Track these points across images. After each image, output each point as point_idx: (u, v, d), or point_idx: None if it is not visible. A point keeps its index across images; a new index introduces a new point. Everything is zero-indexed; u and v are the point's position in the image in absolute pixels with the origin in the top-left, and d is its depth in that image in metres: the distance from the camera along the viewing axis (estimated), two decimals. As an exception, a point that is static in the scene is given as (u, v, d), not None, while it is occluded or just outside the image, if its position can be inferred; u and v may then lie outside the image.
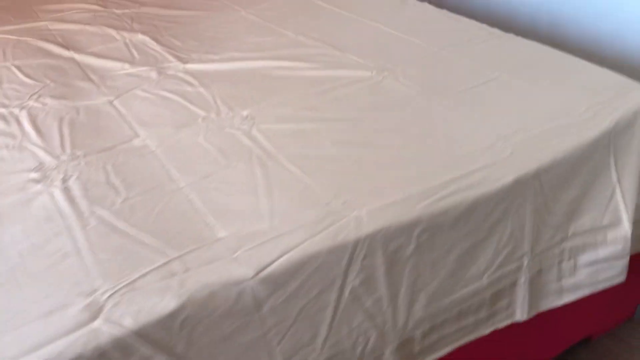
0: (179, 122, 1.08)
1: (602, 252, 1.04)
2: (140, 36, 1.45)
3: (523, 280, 0.99)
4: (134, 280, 0.73)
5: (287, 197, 0.86)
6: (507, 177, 0.90)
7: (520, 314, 1.01)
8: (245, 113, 1.09)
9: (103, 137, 1.04)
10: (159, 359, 0.70)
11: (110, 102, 1.16)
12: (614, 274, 1.06)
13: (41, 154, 0.99)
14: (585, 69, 1.19)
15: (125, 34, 1.47)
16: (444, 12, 1.50)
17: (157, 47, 1.39)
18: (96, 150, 1.00)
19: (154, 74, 1.26)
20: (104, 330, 0.68)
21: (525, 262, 0.98)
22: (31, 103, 1.16)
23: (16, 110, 1.14)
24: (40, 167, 0.96)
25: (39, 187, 0.91)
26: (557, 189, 0.97)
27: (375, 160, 0.95)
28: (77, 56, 1.36)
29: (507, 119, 1.03)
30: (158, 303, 0.70)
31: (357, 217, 0.82)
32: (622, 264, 1.05)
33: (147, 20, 1.56)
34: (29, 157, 0.99)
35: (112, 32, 1.49)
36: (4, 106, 1.16)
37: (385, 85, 1.16)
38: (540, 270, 1.01)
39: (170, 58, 1.33)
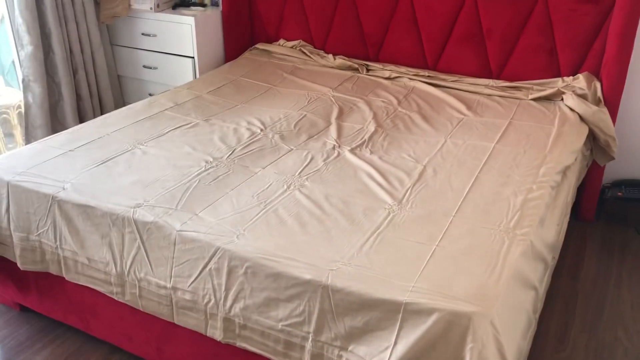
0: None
1: (365, 379, 1.41)
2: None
3: (308, 348, 1.50)
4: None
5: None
6: (306, 275, 1.46)
7: (308, 374, 1.53)
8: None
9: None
10: None
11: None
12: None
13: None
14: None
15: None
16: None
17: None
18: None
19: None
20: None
21: (310, 338, 1.48)
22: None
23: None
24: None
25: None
26: (343, 310, 1.42)
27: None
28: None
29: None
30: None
31: (238, 242, 1.58)
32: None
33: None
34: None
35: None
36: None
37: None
38: (322, 354, 1.48)
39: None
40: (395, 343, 1.37)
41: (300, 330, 1.50)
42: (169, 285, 1.67)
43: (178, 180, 1.88)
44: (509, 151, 2.11)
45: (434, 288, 1.39)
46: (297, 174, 1.95)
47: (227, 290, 1.58)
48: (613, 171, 2.72)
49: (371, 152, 2.11)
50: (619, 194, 2.64)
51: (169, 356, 1.82)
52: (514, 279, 1.47)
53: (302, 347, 1.51)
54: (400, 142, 2.21)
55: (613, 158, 2.52)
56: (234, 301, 1.58)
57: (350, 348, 1.45)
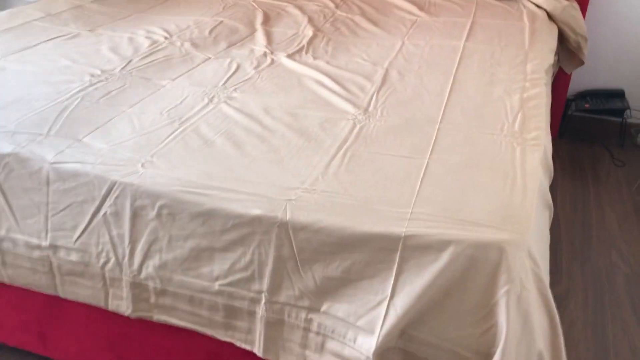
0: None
1: (348, 351, 0.98)
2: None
3: (260, 315, 1.04)
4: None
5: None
6: (252, 209, 0.98)
7: (258, 349, 1.06)
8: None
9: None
10: None
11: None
12: (358, 383, 0.98)
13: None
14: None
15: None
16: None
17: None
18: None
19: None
20: None
21: (263, 299, 1.02)
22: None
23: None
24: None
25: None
26: (312, 255, 0.97)
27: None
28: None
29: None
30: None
31: (144, 171, 1.07)
32: (366, 378, 0.96)
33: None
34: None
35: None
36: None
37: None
38: (281, 321, 1.03)
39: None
40: (393, 295, 0.94)
41: (248, 290, 1.03)
42: (44, 244, 1.14)
43: (52, 99, 1.32)
44: (483, 49, 1.71)
45: (442, 212, 0.96)
46: (220, 84, 1.44)
47: (133, 242, 1.08)
48: (574, 81, 2.41)
49: (314, 58, 1.64)
50: (586, 105, 2.33)
51: (57, 342, 1.29)
52: (539, 194, 1.07)
53: (252, 314, 1.05)
54: (347, 47, 1.74)
55: (583, 63, 2.20)
56: (145, 258, 1.08)
57: (323, 309, 1.00)
